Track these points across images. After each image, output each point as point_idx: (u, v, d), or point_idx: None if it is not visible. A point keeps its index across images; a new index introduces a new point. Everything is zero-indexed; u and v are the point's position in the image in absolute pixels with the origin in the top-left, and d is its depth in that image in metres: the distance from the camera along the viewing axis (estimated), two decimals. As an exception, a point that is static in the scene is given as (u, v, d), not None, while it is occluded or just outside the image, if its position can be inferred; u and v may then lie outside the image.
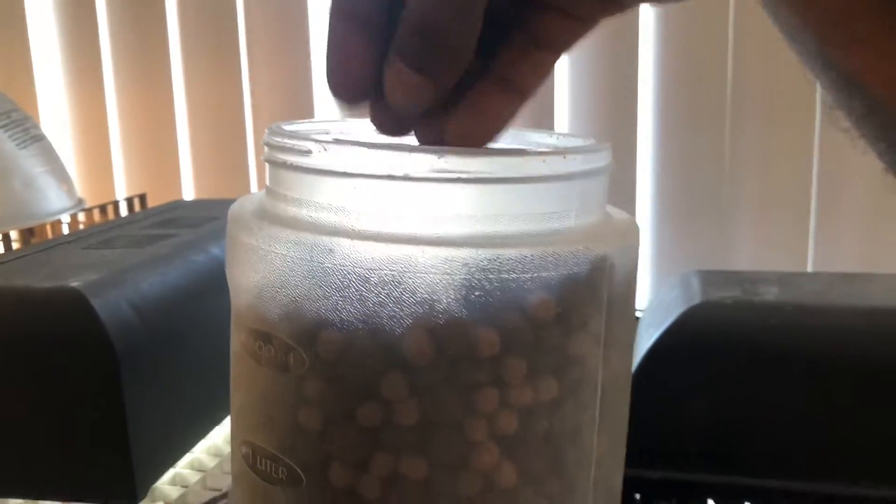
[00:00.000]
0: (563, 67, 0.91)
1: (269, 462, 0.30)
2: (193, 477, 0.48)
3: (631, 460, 0.47)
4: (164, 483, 0.47)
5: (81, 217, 0.82)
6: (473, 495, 0.28)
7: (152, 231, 0.61)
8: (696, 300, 0.47)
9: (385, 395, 0.28)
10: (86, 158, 1.11)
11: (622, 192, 0.90)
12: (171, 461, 0.48)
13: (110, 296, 0.45)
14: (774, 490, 0.44)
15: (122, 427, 0.43)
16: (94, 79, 1.09)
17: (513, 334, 0.28)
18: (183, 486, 0.47)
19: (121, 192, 1.13)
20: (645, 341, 0.47)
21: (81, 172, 1.12)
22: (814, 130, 0.84)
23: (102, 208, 0.83)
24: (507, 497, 0.29)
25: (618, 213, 0.34)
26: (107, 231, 0.62)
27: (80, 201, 0.81)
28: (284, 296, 0.29)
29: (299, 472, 0.29)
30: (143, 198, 0.89)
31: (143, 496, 0.44)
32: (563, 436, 0.30)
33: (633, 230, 0.33)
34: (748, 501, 0.45)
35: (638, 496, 0.46)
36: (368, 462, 0.28)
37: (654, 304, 0.53)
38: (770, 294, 0.48)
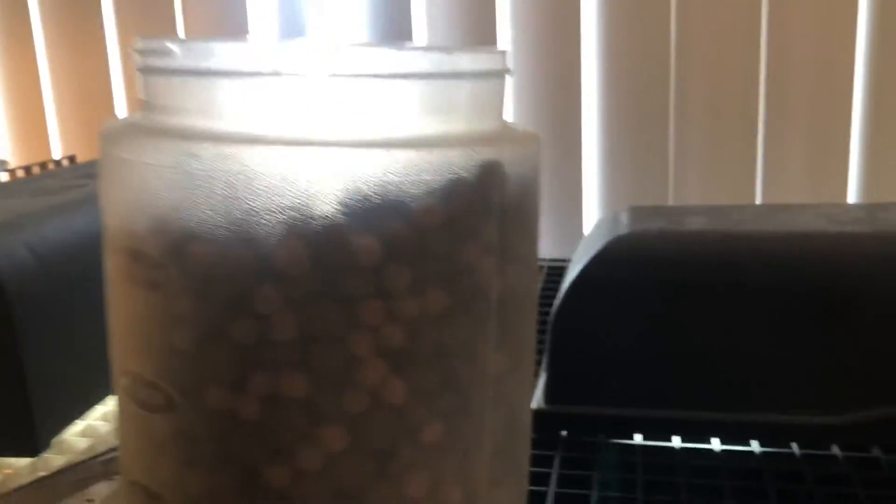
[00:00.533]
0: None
1: (146, 389, 0.28)
2: (105, 429, 0.46)
3: (557, 396, 0.46)
4: (74, 435, 0.45)
5: (5, 178, 0.79)
6: (360, 413, 0.27)
7: (68, 182, 0.58)
8: (621, 232, 0.46)
9: (259, 308, 0.26)
10: (18, 123, 1.08)
11: (568, 126, 0.88)
12: (78, 413, 0.46)
13: (6, 239, 0.43)
14: (703, 422, 0.43)
15: (20, 375, 0.41)
16: (25, 41, 1.05)
17: (395, 241, 0.26)
18: (93, 438, 0.45)
19: (57, 156, 1.09)
20: (570, 276, 0.46)
21: (14, 137, 1.08)
22: (759, 62, 0.82)
23: (27, 169, 0.80)
24: (396, 414, 0.27)
25: (520, 127, 0.33)
26: (24, 184, 0.59)
27: (2, 163, 0.78)
28: (153, 209, 0.27)
29: (176, 396, 0.28)
30: (72, 159, 0.86)
31: (45, 448, 0.42)
32: (455, 350, 0.28)
33: (533, 142, 0.31)
34: (676, 434, 0.44)
35: (564, 432, 0.45)
36: (246, 382, 0.26)
37: (584, 240, 0.52)
38: (696, 224, 0.47)
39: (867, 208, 0.50)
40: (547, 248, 0.92)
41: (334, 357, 0.26)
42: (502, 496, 0.32)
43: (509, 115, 0.89)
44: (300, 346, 0.26)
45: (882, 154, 0.82)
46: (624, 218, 0.49)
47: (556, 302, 0.45)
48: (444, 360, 0.28)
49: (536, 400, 0.46)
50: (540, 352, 0.46)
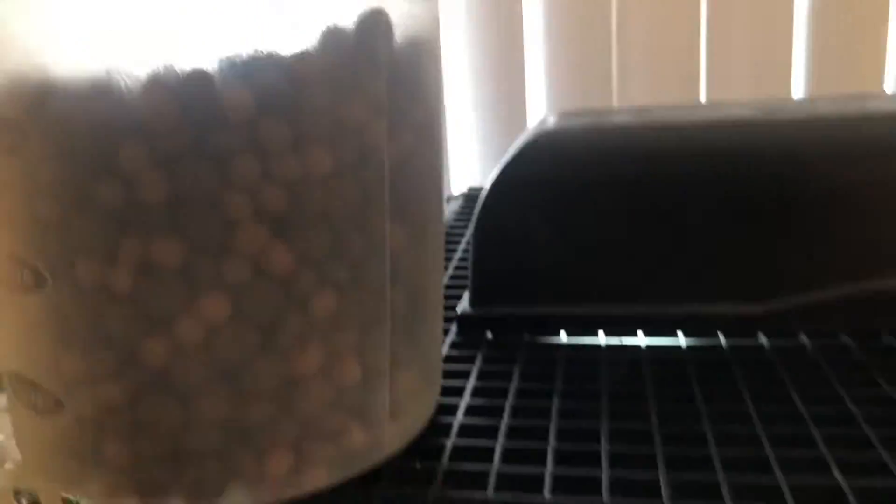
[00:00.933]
0: None
1: (14, 267, 0.26)
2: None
3: (481, 298, 0.45)
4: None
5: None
6: (241, 282, 0.25)
7: None
8: (545, 130, 0.45)
9: (125, 168, 0.24)
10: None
11: (510, 30, 0.85)
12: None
13: None
14: (627, 316, 0.42)
15: None
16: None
17: (269, 94, 0.25)
18: None
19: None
20: (492, 176, 0.44)
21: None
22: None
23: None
24: (282, 284, 0.26)
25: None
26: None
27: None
28: (6, 65, 0.25)
29: (45, 273, 0.26)
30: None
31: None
32: (343, 217, 0.27)
33: (428, 2, 0.30)
34: (600, 329, 0.43)
35: (489, 334, 0.44)
36: (116, 251, 0.25)
37: (513, 145, 0.51)
38: (620, 119, 0.46)
39: (800, 101, 0.49)
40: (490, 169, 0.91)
41: (209, 220, 0.25)
42: (407, 378, 0.30)
43: (447, 19, 0.86)
44: (171, 209, 0.24)
45: (827, 52, 0.81)
46: (551, 120, 0.48)
47: (479, 203, 0.44)
48: (332, 226, 0.26)
49: (462, 304, 0.45)
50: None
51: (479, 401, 0.36)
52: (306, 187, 0.26)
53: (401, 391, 0.30)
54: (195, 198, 0.24)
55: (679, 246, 0.42)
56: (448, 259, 0.57)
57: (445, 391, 0.36)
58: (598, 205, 0.42)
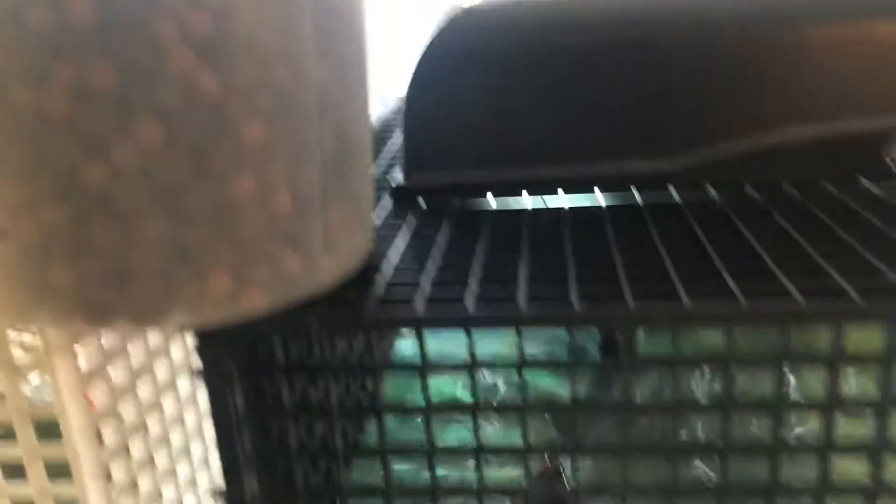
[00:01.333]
0: None
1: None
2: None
3: (413, 167, 0.47)
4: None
5: None
6: (174, 108, 0.27)
7: None
8: (470, 5, 0.46)
9: (54, -8, 0.25)
10: None
11: None
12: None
13: None
14: (549, 177, 0.45)
15: None
16: None
17: (192, -79, 0.26)
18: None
19: None
20: (419, 51, 0.46)
21: None
22: None
23: None
24: (212, 111, 0.27)
25: None
26: None
27: None
28: None
29: (-18, 103, 0.27)
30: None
31: None
32: (270, 48, 0.28)
33: None
34: (525, 190, 0.45)
35: (422, 202, 0.46)
36: (48, 75, 0.26)
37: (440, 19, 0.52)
38: (542, -5, 0.48)
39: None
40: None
41: (138, 42, 0.26)
42: (339, 213, 0.32)
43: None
44: (102, 33, 0.26)
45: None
46: (477, 4, 0.50)
47: (409, 76, 0.45)
48: (258, 55, 0.28)
49: (395, 177, 0.47)
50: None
51: (411, 249, 0.38)
52: (231, 14, 0.27)
53: (333, 225, 0.32)
54: (124, 21, 0.26)
55: (595, 109, 0.44)
56: (378, 153, 0.58)
57: (379, 244, 0.39)
58: (521, 73, 0.44)
